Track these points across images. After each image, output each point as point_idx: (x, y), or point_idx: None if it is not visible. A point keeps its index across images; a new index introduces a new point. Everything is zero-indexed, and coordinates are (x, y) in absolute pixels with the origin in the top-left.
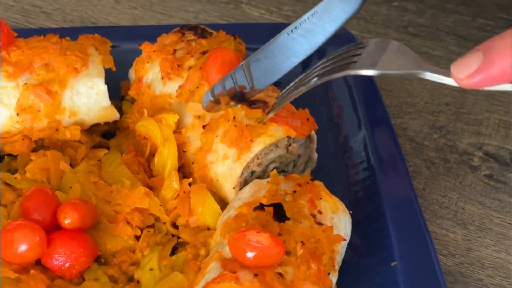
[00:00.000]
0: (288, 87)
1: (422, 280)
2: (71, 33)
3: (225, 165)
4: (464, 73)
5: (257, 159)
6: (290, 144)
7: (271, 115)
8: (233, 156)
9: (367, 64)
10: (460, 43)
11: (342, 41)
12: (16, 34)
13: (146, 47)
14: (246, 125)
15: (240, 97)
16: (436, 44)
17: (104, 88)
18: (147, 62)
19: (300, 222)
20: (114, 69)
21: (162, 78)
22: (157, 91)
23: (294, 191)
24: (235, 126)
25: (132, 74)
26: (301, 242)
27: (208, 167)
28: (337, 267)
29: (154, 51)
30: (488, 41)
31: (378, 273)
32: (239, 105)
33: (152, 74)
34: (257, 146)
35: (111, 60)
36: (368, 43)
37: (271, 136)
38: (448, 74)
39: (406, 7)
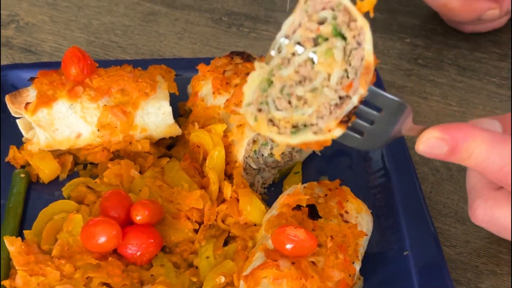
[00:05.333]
0: None
1: (429, 267)
2: (142, 64)
3: None
4: (433, 153)
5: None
6: None
7: None
8: None
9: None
10: (461, 72)
11: None
12: (97, 65)
13: (201, 67)
14: None
15: None
16: (441, 73)
17: (169, 109)
18: (202, 80)
19: (330, 220)
20: (177, 93)
21: (213, 93)
22: (209, 103)
23: (326, 195)
24: None
25: (190, 89)
26: (331, 236)
27: None
28: (360, 257)
29: (208, 71)
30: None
31: (393, 261)
32: None
33: (205, 89)
34: None
35: (175, 86)
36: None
37: None
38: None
39: (416, 43)
